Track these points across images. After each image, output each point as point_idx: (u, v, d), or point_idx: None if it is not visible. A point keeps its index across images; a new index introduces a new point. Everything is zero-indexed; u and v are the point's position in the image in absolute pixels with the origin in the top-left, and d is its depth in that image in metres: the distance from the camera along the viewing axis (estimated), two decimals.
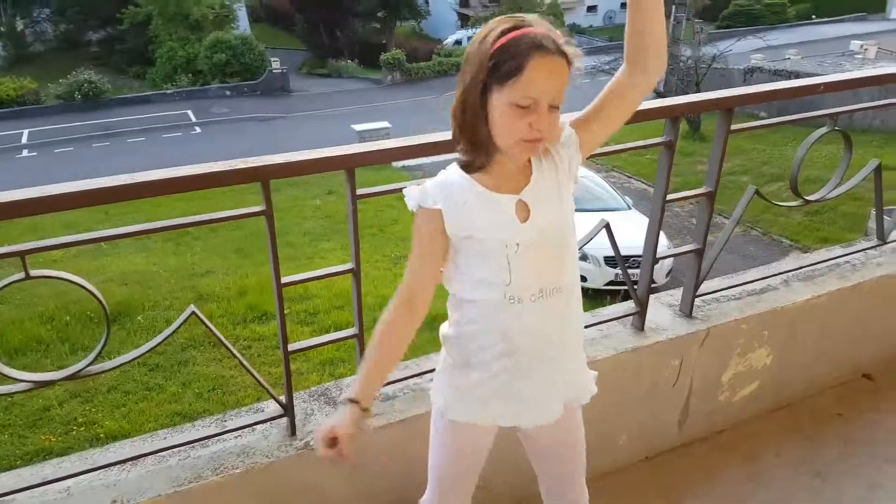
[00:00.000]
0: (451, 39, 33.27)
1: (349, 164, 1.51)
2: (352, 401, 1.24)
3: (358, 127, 17.10)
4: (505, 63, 1.12)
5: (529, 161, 1.25)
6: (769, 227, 12.04)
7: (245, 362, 1.62)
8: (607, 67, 19.45)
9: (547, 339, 1.30)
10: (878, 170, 2.33)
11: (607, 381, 1.94)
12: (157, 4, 27.76)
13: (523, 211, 1.24)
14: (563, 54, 1.13)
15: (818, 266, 2.44)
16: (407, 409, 1.80)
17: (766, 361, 2.29)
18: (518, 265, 1.23)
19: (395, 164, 15.99)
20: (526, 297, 1.25)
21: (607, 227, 1.99)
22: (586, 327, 2.08)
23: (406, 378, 1.87)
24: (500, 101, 1.14)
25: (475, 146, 1.21)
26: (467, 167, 1.24)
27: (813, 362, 2.45)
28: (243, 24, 31.44)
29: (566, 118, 1.30)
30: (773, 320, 2.21)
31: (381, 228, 11.74)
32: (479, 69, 1.14)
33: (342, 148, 1.50)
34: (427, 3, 36.35)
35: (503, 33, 1.13)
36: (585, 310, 2.26)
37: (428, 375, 1.91)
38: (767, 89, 1.94)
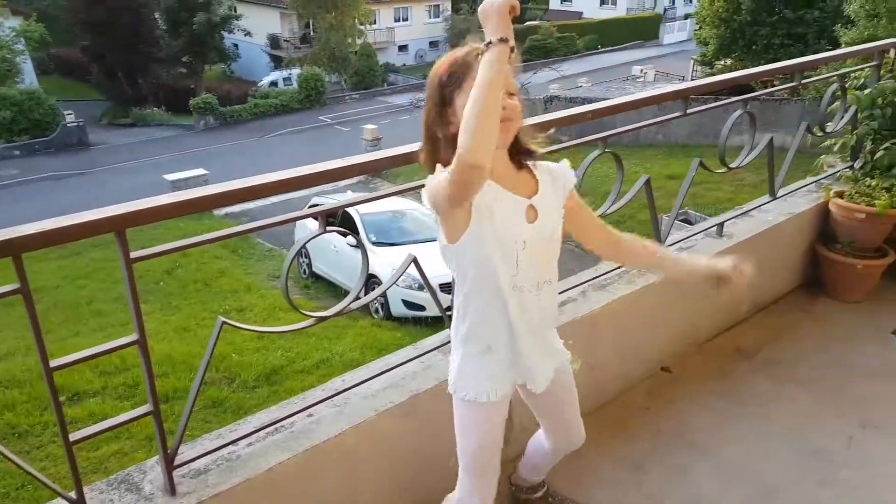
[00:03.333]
0: (266, 81, 32.61)
1: (119, 226, 1.38)
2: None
3: (171, 176, 16.06)
4: (457, 71, 1.38)
5: (534, 175, 1.53)
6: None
7: (13, 457, 1.41)
8: (422, 104, 20.03)
9: (539, 321, 1.58)
10: (648, 183, 2.62)
11: (430, 410, 1.96)
12: None
13: (531, 214, 1.49)
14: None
15: (609, 274, 2.65)
16: (222, 482, 1.67)
17: (576, 367, 2.42)
18: (523, 259, 1.47)
19: (216, 212, 15.23)
20: (527, 287, 1.51)
21: (415, 261, 2.05)
22: (405, 363, 2.10)
23: (219, 448, 1.74)
24: (463, 100, 1.29)
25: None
26: None
27: (618, 362, 2.65)
28: (30, 78, 28.53)
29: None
30: (576, 329, 2.35)
31: (206, 283, 11.07)
32: (435, 90, 1.41)
33: (108, 209, 1.37)
34: (236, 46, 35.40)
35: (448, 59, 1.41)
36: (424, 337, 2.32)
37: (244, 441, 1.80)
38: (541, 120, 2.06)
